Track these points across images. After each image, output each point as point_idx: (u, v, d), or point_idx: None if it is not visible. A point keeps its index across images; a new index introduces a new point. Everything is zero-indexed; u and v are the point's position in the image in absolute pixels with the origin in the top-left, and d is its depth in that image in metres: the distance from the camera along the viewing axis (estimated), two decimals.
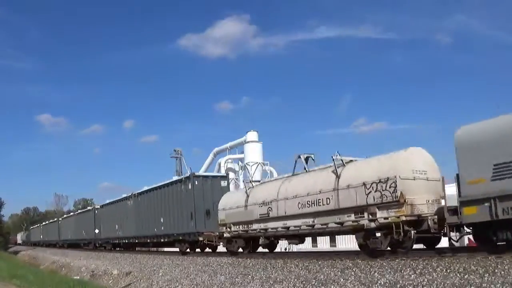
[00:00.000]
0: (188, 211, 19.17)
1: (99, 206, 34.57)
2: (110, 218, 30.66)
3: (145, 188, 25.19)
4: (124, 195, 28.36)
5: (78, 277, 20.68)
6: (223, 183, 19.94)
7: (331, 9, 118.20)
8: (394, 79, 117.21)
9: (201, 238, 18.34)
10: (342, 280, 9.27)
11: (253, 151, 42.61)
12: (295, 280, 10.25)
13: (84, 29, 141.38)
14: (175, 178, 22.65)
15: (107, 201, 32.35)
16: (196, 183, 19.17)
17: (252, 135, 40.39)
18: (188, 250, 20.10)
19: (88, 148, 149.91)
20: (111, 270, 19.82)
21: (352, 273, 9.57)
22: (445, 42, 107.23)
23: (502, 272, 7.20)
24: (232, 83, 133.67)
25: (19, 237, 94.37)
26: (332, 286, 9.16)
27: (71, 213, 45.54)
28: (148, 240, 23.97)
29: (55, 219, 56.41)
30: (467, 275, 7.45)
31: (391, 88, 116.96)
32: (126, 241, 27.65)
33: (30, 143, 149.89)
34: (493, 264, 7.66)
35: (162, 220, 21.82)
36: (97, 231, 33.42)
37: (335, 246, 25.47)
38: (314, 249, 18.14)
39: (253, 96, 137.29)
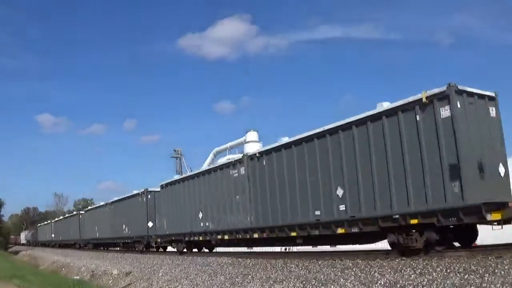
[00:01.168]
0: (444, 164, 9.47)
1: (159, 189, 22.50)
2: (185, 203, 19.37)
3: (302, 134, 13.23)
4: (222, 161, 18.15)
5: (78, 277, 20.66)
6: (492, 111, 10.17)
7: (332, 9, 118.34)
8: (395, 79, 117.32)
9: None
10: (342, 280, 9.26)
11: (253, 151, 42.65)
12: (295, 280, 10.25)
13: (85, 28, 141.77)
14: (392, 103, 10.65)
15: (176, 177, 21.30)
16: (459, 105, 9.44)
17: (252, 135, 40.31)
18: (438, 247, 10.18)
19: (88, 147, 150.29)
20: (111, 270, 19.80)
21: (352, 273, 9.57)
22: (446, 42, 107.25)
23: (502, 272, 7.20)
24: (232, 83, 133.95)
25: (23, 237, 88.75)
26: (332, 286, 9.15)
27: (102, 203, 33.00)
28: (308, 231, 12.79)
29: (74, 212, 46.73)
30: (467, 275, 7.45)
31: (391, 88, 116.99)
32: (240, 235, 15.66)
33: (30, 143, 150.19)
34: (493, 264, 7.67)
35: (338, 192, 11.80)
36: (150, 224, 23.24)
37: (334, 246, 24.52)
38: (314, 249, 18.12)
39: (254, 96, 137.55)
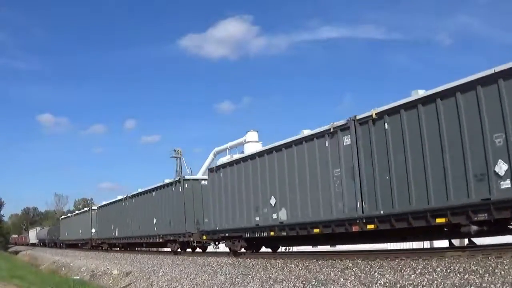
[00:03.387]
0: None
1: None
2: None
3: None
4: None
5: (78, 277, 20.68)
6: None
7: (334, 9, 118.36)
8: (396, 79, 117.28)
9: None
10: (342, 280, 9.27)
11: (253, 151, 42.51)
12: (295, 280, 10.26)
13: (85, 29, 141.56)
14: None
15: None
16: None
17: (252, 135, 40.35)
18: None
19: (88, 148, 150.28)
20: (111, 270, 19.82)
21: (352, 273, 9.58)
22: (446, 42, 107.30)
23: (502, 272, 7.20)
24: (233, 83, 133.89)
25: (33, 235, 71.89)
26: (332, 286, 9.16)
27: (273, 144, 14.15)
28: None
29: (167, 180, 21.98)
30: (467, 275, 7.45)
31: (392, 88, 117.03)
32: None
33: (31, 143, 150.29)
34: (493, 264, 7.66)
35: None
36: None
37: (335, 246, 23.91)
38: (314, 249, 18.10)
39: (254, 96, 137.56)
